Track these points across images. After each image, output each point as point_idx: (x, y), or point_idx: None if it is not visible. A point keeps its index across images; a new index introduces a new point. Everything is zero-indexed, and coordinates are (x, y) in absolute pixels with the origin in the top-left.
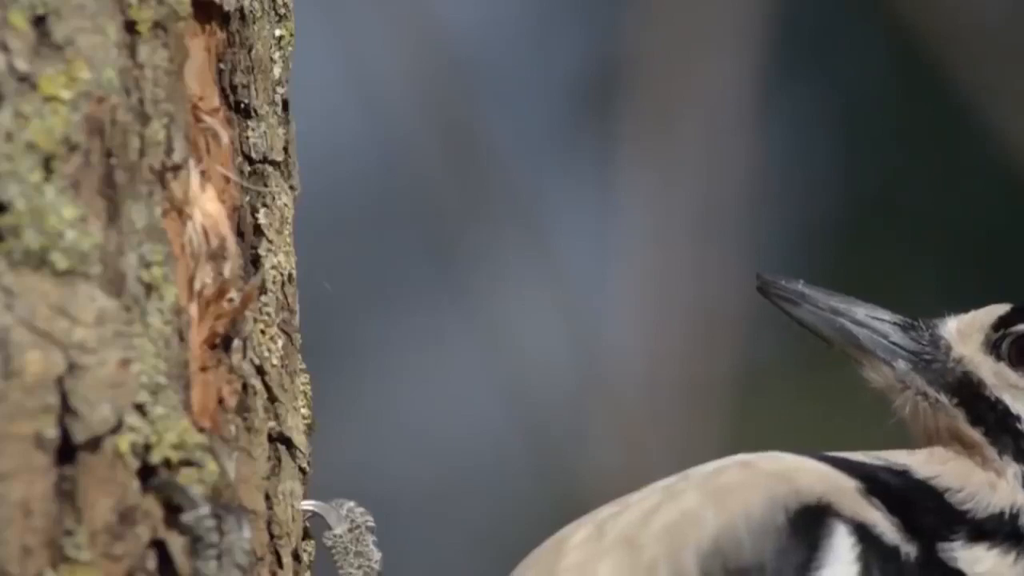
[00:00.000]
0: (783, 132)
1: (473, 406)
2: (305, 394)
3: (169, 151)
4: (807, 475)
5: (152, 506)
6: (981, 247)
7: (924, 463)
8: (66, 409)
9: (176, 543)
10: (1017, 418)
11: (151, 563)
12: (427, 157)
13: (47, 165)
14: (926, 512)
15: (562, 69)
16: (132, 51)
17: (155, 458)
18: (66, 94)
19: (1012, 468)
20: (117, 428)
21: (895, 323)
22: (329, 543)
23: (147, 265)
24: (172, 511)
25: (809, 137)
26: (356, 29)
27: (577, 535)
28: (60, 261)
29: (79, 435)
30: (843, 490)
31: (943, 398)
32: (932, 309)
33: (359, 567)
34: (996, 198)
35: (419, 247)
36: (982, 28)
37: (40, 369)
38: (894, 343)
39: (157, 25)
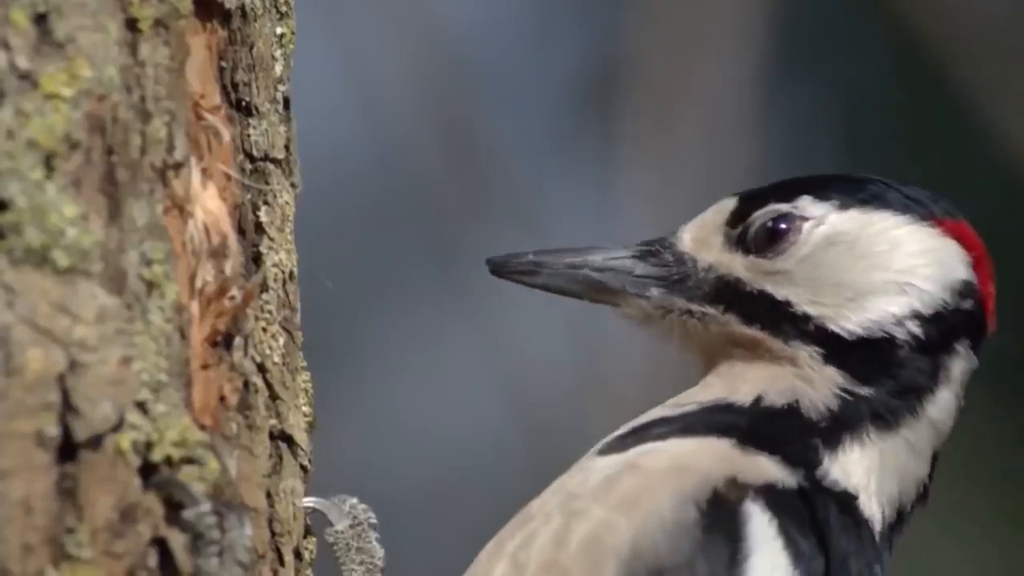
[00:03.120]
0: (783, 132)
1: (473, 406)
2: (306, 392)
3: (170, 149)
4: (700, 457)
5: (153, 504)
6: None
7: (731, 389)
8: (67, 407)
9: (177, 541)
10: (787, 303)
11: (152, 561)
12: (427, 157)
13: (48, 163)
14: (786, 443)
15: (562, 69)
16: (133, 49)
17: (156, 456)
18: (67, 92)
19: (803, 351)
20: (118, 426)
21: (634, 256)
22: (331, 540)
23: (148, 263)
24: (173, 509)
25: (809, 137)
26: (356, 28)
27: (495, 573)
28: (61, 259)
29: (80, 433)
30: (730, 456)
31: (708, 309)
32: None
33: (361, 563)
34: (996, 198)
35: (419, 247)
36: (982, 28)
37: (41, 367)
38: (640, 275)
39: (158, 23)
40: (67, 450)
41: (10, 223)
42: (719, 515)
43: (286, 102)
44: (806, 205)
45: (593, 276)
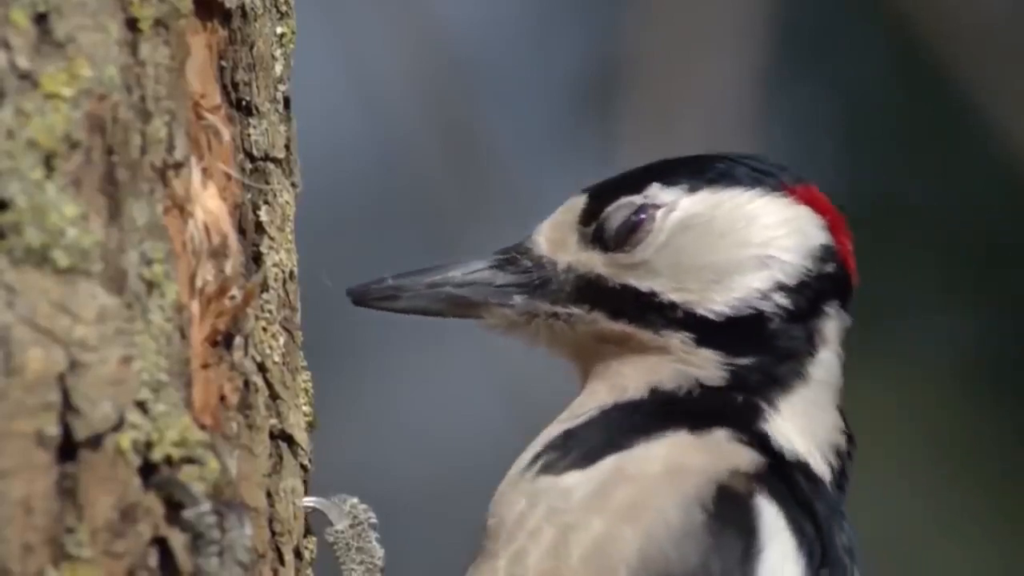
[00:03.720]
0: (783, 132)
1: (473, 406)
2: (306, 391)
3: (170, 148)
4: (691, 455)
5: (153, 503)
6: (982, 247)
7: (619, 389)
8: (67, 407)
9: (177, 540)
10: (651, 294)
11: (152, 560)
12: (427, 156)
13: (48, 163)
14: (731, 423)
15: (562, 69)
16: (133, 49)
17: (156, 455)
18: (67, 92)
19: (674, 338)
20: (118, 426)
21: (492, 266)
22: (331, 539)
23: (148, 262)
24: (173, 508)
25: (809, 137)
26: (356, 28)
27: None
28: (61, 259)
29: (80, 433)
30: (711, 447)
31: (573, 310)
32: (933, 307)
33: (361, 563)
34: (997, 197)
35: (419, 246)
36: (983, 27)
37: (41, 367)
38: (501, 285)
39: (158, 23)
40: (67, 450)
41: (10, 223)
42: (730, 511)
43: (286, 102)
44: (656, 193)
45: (455, 293)
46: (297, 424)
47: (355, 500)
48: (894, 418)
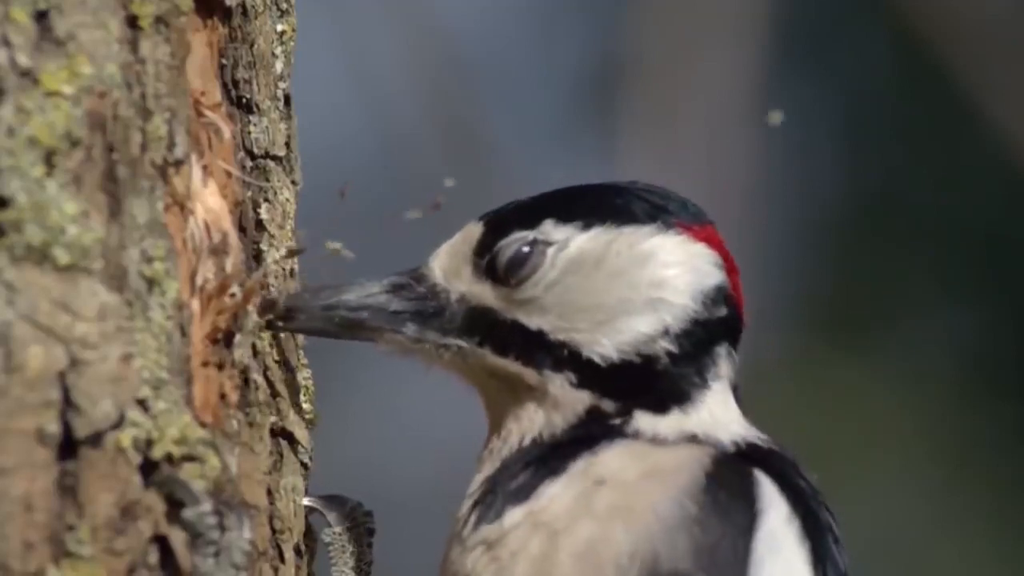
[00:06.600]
0: (784, 130)
1: (474, 405)
2: (307, 389)
3: (171, 146)
4: (666, 457)
5: (154, 501)
6: (982, 245)
7: (517, 434)
8: (68, 404)
9: (178, 538)
10: (539, 332)
11: (153, 558)
12: (429, 154)
13: (49, 160)
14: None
15: (563, 67)
16: (134, 46)
17: (157, 453)
18: (68, 89)
19: (556, 379)
20: (119, 423)
21: (387, 291)
22: (327, 540)
23: (149, 260)
24: (174, 506)
25: (810, 134)
26: (358, 25)
27: None
28: (62, 256)
29: (81, 430)
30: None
31: (463, 343)
32: (933, 307)
33: (353, 568)
34: (997, 196)
35: (420, 245)
36: (984, 27)
37: (42, 364)
38: (395, 311)
39: (159, 20)
40: (68, 447)
41: (11, 220)
42: (736, 482)
43: (287, 99)
44: (549, 230)
45: (349, 316)
46: (297, 422)
47: (356, 503)
48: (894, 418)
